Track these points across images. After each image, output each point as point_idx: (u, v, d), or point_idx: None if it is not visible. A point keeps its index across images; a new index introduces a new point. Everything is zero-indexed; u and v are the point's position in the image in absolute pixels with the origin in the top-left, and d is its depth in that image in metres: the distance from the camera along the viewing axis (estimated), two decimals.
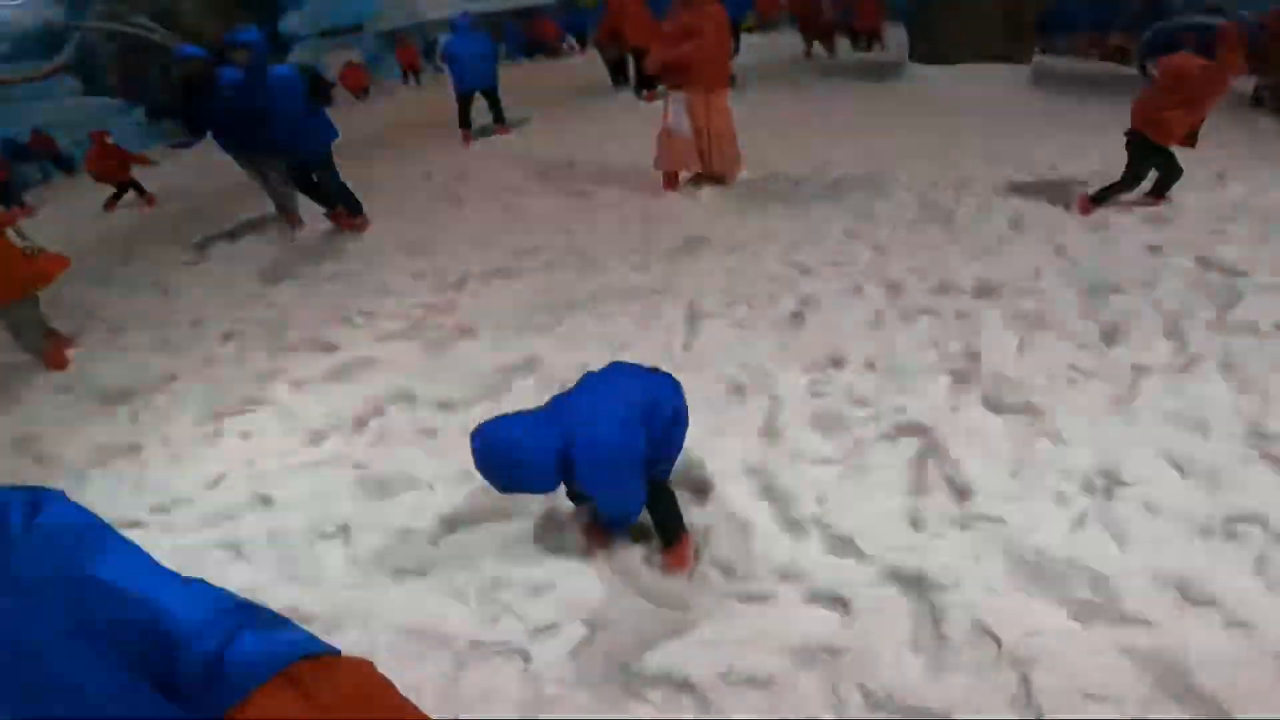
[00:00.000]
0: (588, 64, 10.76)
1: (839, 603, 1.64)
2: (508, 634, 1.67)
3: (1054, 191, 4.01)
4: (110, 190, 7.61)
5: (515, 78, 9.45)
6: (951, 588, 1.61)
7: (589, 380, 1.84)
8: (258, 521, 2.18)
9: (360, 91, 14.81)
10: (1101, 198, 3.71)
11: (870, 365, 2.55)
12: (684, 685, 1.49)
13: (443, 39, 9.45)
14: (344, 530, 2.08)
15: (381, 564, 1.94)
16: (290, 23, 16.82)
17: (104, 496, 2.32)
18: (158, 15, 14.14)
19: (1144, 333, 2.55)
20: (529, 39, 16.42)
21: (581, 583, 1.79)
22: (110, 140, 7.70)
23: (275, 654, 0.77)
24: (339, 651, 0.83)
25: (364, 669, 0.84)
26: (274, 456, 2.52)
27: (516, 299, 3.49)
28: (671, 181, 4.77)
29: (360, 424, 2.62)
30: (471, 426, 1.66)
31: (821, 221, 3.97)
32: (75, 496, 0.82)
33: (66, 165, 13.27)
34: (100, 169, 7.62)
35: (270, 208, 5.19)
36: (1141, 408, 2.15)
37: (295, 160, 4.73)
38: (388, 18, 17.08)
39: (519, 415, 1.71)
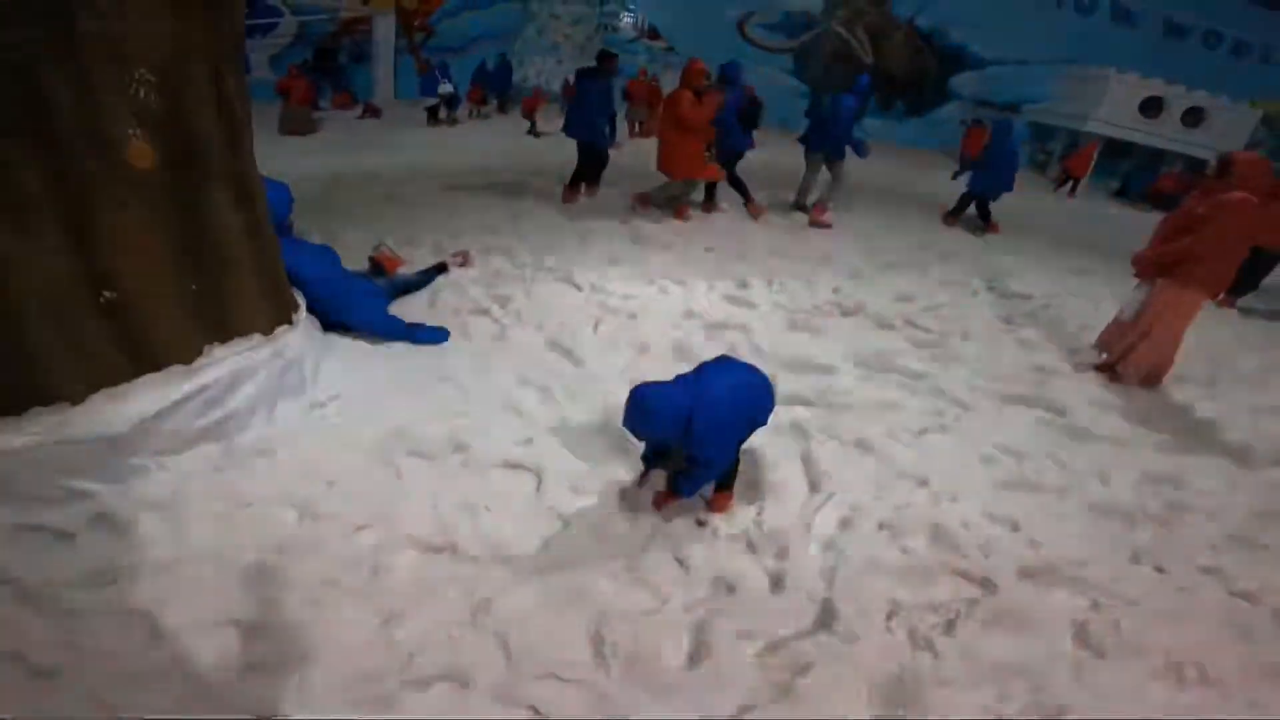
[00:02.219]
0: None
1: None
2: None
3: None
4: None
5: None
6: None
7: (707, 367, 2.50)
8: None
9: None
10: None
11: None
12: None
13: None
14: None
15: None
16: (960, 81, 18.51)
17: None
18: (874, 39, 17.39)
19: None
20: (1153, 187, 14.87)
21: None
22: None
23: None
24: None
25: None
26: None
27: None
28: (1106, 363, 4.41)
29: None
30: None
31: None
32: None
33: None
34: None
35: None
36: None
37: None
38: (1050, 112, 17.29)
39: (662, 384, 2.30)
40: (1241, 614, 2.47)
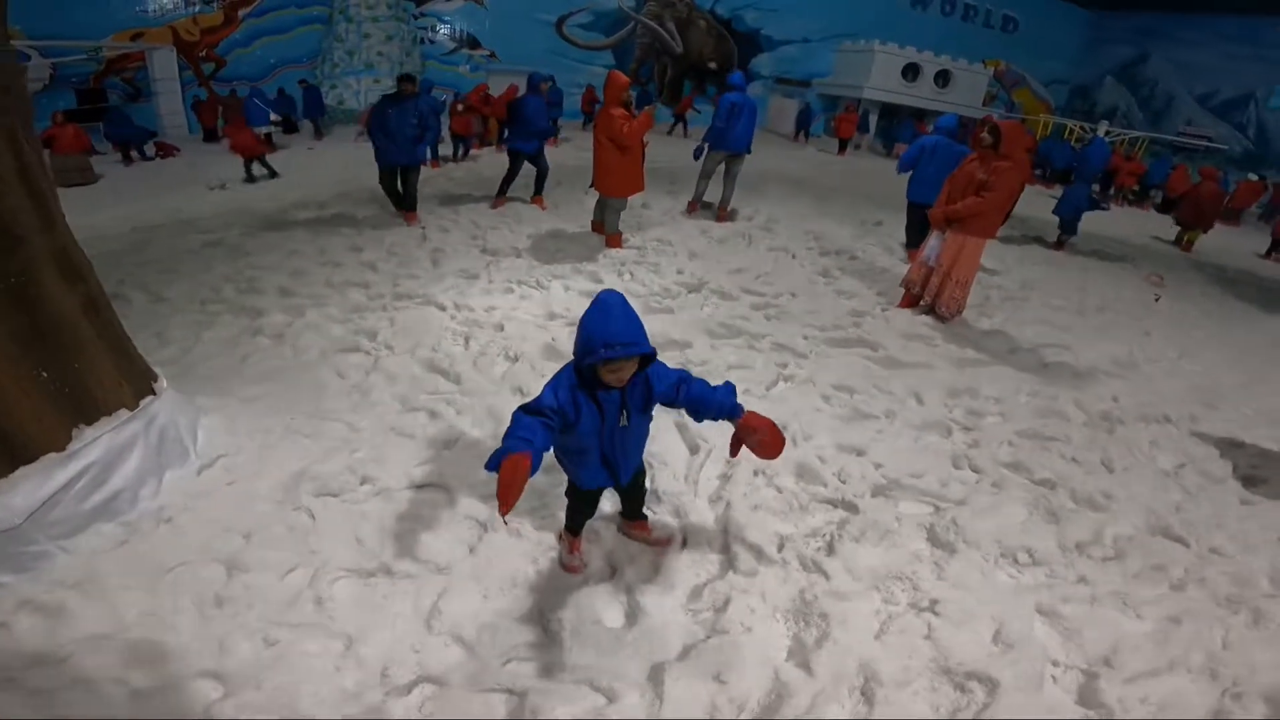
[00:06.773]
0: None
1: None
2: None
3: None
4: None
5: None
6: None
7: None
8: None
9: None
10: None
11: None
12: None
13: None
14: None
15: None
16: (759, 62, 20.22)
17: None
18: (680, 29, 18.37)
19: None
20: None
21: None
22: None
23: None
24: None
25: None
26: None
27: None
28: (907, 300, 5.36)
29: None
30: None
31: None
32: None
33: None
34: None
35: None
36: None
37: None
38: (834, 84, 19.51)
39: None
40: (1046, 500, 3.07)
